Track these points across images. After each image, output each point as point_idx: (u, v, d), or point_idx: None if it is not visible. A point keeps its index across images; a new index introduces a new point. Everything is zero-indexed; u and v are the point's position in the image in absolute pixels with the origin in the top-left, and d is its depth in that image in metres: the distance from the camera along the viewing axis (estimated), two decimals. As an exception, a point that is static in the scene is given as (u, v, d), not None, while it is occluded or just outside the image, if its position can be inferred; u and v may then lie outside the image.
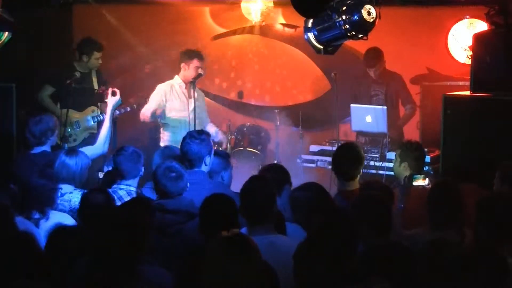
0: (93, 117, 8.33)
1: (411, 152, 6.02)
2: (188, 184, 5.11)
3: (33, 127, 6.41)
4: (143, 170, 5.61)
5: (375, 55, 8.32)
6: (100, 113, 8.34)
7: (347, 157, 5.56)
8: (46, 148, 6.43)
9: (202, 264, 3.22)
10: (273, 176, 5.14)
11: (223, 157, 5.81)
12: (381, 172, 6.92)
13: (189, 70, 8.03)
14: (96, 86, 8.50)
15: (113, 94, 6.96)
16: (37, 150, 6.40)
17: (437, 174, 6.98)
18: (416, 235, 4.80)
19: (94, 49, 8.36)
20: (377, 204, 4.47)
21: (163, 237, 4.73)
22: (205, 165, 5.50)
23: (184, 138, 5.63)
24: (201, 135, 5.56)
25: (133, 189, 5.47)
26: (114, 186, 5.49)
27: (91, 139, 8.29)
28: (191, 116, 7.78)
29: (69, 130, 8.17)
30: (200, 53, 8.18)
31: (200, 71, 8.01)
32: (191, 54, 8.13)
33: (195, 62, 8.04)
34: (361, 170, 5.60)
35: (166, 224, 4.77)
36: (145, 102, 8.12)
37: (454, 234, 4.66)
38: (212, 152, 5.58)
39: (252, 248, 3.24)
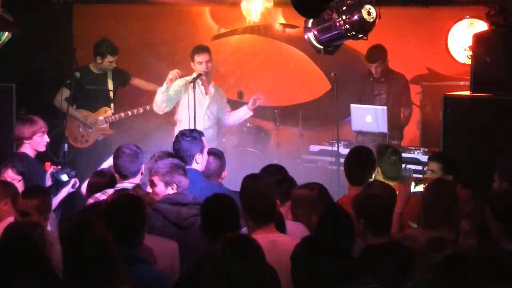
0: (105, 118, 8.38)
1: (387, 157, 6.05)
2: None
3: (15, 127, 6.43)
4: (143, 167, 5.57)
5: (377, 50, 8.28)
6: (113, 115, 8.35)
7: (358, 162, 5.55)
8: (27, 150, 6.30)
9: (206, 265, 3.22)
10: (277, 176, 5.16)
11: (221, 157, 5.79)
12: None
13: (194, 65, 8.00)
14: (111, 87, 8.49)
15: (73, 186, 6.33)
16: (18, 150, 6.38)
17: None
18: (412, 235, 4.80)
19: (108, 51, 8.33)
20: (376, 203, 4.47)
21: (180, 230, 4.77)
22: (197, 163, 5.49)
23: (176, 137, 5.67)
24: (193, 133, 5.60)
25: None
26: (118, 185, 5.45)
27: (104, 142, 8.31)
28: (196, 113, 7.77)
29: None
30: (196, 47, 8.08)
31: (202, 69, 7.98)
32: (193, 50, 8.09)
33: (195, 58, 8.01)
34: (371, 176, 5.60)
35: (182, 217, 4.80)
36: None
37: (449, 233, 4.66)
38: (205, 151, 5.55)
39: (257, 249, 3.24)
